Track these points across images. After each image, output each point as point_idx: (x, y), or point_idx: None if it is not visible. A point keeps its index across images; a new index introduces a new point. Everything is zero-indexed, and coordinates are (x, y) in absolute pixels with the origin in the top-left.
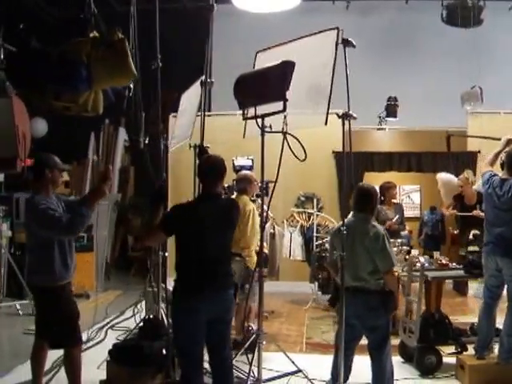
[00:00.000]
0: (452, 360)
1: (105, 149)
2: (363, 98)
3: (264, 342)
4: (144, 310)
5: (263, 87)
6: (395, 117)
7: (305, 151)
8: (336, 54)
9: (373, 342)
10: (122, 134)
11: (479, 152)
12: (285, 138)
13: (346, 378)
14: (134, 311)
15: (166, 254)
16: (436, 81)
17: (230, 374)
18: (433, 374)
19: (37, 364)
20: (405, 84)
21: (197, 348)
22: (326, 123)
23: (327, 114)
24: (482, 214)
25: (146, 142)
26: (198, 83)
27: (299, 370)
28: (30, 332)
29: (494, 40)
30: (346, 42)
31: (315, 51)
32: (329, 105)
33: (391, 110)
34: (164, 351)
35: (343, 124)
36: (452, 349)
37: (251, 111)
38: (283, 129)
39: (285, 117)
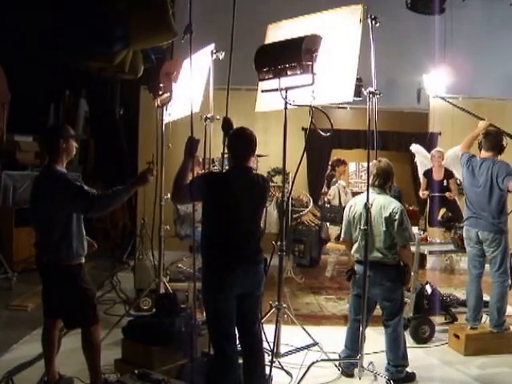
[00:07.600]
0: (440, 329)
1: (64, 120)
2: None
3: (285, 316)
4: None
5: (290, 60)
6: (359, 96)
7: (331, 125)
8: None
9: (388, 313)
10: (83, 106)
11: (440, 134)
12: (311, 111)
13: (361, 348)
14: (112, 284)
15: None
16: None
17: (260, 350)
18: (426, 343)
19: (49, 346)
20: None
21: (230, 324)
22: (357, 95)
23: (357, 87)
24: (453, 194)
25: (121, 112)
26: (204, 51)
27: (315, 343)
28: (16, 308)
29: (449, 29)
30: (374, 19)
31: (336, 27)
32: (359, 79)
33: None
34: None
35: (369, 101)
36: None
37: (269, 84)
38: (311, 102)
39: (313, 91)
